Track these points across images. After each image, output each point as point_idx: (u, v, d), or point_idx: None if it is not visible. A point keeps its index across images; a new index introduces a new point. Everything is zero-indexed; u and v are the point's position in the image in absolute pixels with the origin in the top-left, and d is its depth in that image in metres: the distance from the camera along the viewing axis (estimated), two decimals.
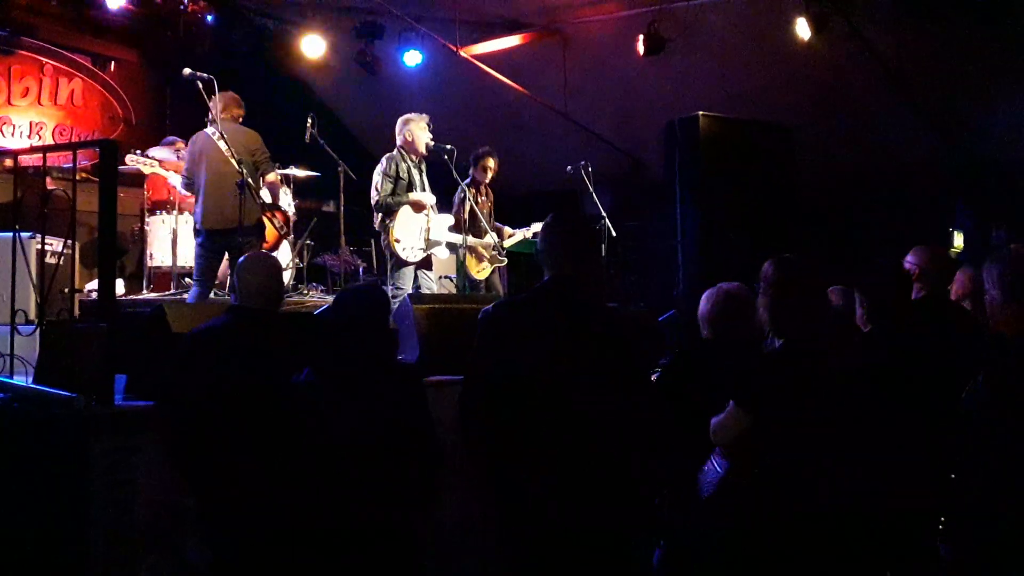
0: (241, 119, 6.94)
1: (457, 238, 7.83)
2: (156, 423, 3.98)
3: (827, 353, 3.36)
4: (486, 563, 4.09)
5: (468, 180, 8.17)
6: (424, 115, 7.68)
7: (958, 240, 10.13)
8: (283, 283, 4.24)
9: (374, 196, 7.47)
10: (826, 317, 3.47)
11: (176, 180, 7.60)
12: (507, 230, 8.47)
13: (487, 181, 8.36)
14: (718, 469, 3.52)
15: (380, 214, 7.50)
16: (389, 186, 7.44)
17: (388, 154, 7.58)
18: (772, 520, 3.23)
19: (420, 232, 7.52)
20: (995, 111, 9.39)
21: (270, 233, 6.89)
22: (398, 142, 7.62)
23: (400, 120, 7.68)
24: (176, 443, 3.86)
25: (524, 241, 8.46)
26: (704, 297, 4.14)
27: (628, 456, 3.33)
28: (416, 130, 7.58)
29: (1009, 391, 3.23)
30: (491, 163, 8.29)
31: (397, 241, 7.40)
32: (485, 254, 8.20)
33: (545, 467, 3.25)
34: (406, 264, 7.47)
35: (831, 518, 3.19)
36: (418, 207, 7.47)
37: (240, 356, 3.79)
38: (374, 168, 7.61)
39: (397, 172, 7.48)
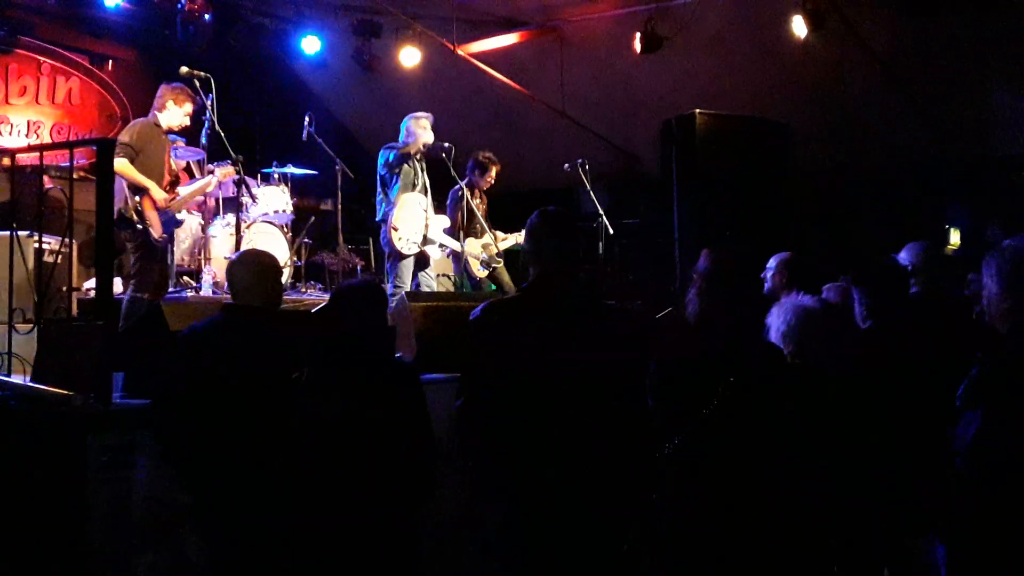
0: (165, 109, 6.76)
1: (451, 241, 7.85)
2: (152, 421, 3.99)
3: (742, 345, 3.40)
4: (483, 561, 4.10)
5: (466, 181, 8.17)
6: (428, 115, 7.73)
7: (955, 237, 10.13)
8: (279, 280, 4.23)
9: (385, 155, 7.52)
10: (748, 311, 3.50)
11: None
12: (499, 235, 8.45)
13: (486, 188, 8.37)
14: None
15: (391, 173, 7.53)
16: (398, 155, 7.51)
17: (392, 143, 7.66)
18: (681, 500, 3.28)
19: (419, 226, 7.54)
20: (990, 108, 9.40)
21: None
22: (401, 138, 7.69)
23: (407, 117, 7.77)
24: (171, 441, 3.87)
25: (517, 244, 8.45)
26: None
27: (623, 453, 3.34)
28: (416, 128, 7.65)
29: (1002, 385, 3.24)
30: (495, 172, 8.30)
31: (395, 229, 7.42)
32: (483, 255, 8.21)
33: (542, 466, 3.26)
34: (403, 258, 7.49)
35: (745, 509, 3.23)
36: (414, 214, 7.51)
37: (231, 354, 3.79)
38: (372, 167, 7.68)
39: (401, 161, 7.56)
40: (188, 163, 7.66)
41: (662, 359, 3.47)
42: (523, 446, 3.29)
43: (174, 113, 6.71)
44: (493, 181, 8.33)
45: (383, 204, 7.67)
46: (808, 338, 3.90)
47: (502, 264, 8.38)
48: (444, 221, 7.89)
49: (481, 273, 8.23)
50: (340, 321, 3.66)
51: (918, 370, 3.97)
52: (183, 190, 6.95)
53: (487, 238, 8.14)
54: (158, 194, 6.51)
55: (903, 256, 4.90)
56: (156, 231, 6.52)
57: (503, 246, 8.33)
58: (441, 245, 7.82)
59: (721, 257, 3.49)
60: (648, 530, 3.42)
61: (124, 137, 6.62)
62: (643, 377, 3.49)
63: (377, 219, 7.69)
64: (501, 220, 8.60)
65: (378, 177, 7.69)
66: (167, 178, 6.77)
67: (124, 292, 6.59)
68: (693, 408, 3.22)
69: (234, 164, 6.88)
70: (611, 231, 8.37)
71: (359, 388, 3.56)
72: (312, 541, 3.51)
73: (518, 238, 8.38)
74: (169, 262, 7.31)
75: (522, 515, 3.32)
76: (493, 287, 8.33)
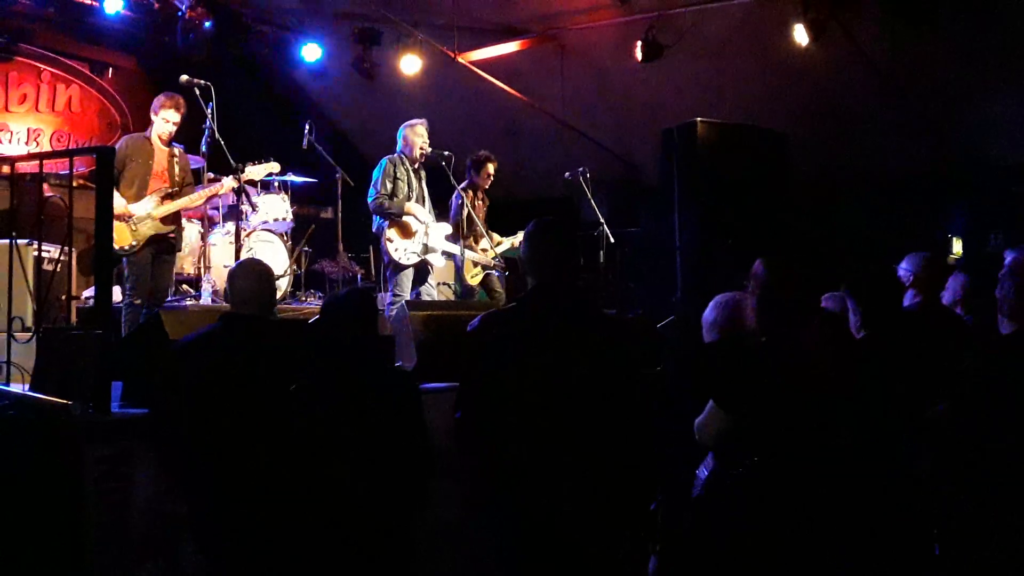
0: (152, 122, 6.74)
1: (453, 247, 7.84)
2: (149, 431, 3.98)
3: (811, 353, 3.39)
4: (479, 568, 4.09)
5: (465, 183, 8.17)
6: (423, 120, 7.70)
7: (957, 247, 10.11)
8: (275, 288, 4.24)
9: (372, 195, 7.48)
10: (813, 317, 3.51)
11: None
12: (496, 237, 8.44)
13: (486, 186, 8.36)
14: (706, 469, 3.55)
15: (377, 217, 7.53)
16: (389, 185, 7.46)
17: (388, 156, 7.62)
18: (759, 519, 3.27)
19: (417, 236, 7.53)
20: (990, 116, 9.39)
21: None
22: (398, 147, 7.66)
23: (402, 126, 7.73)
24: (168, 451, 3.86)
25: (512, 248, 8.43)
26: (713, 304, 4.13)
27: (622, 461, 3.33)
28: (412, 135, 7.61)
29: (986, 372, 3.31)
30: (491, 168, 8.29)
31: (390, 241, 7.42)
32: (481, 259, 8.20)
33: (539, 476, 3.25)
34: (401, 268, 7.48)
35: (816, 517, 3.23)
36: (410, 223, 7.47)
37: (230, 362, 3.78)
38: (372, 173, 7.64)
39: (395, 174, 7.51)
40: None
41: (730, 374, 3.46)
42: (520, 457, 3.28)
43: (158, 124, 6.70)
44: (492, 177, 8.32)
45: (377, 216, 7.65)
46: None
47: (503, 267, 8.37)
48: (445, 228, 7.88)
49: (475, 280, 8.22)
50: (330, 331, 3.66)
51: (913, 381, 3.96)
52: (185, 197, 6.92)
53: (485, 243, 8.14)
54: (116, 202, 6.39)
55: (904, 266, 4.89)
56: (116, 241, 6.36)
57: (499, 249, 8.32)
58: (444, 252, 7.82)
59: (780, 268, 3.50)
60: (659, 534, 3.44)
61: None
62: (641, 386, 3.49)
63: (373, 230, 7.67)
64: (501, 228, 8.59)
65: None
66: (153, 187, 6.64)
67: (123, 299, 6.57)
68: (769, 423, 3.26)
69: (236, 174, 6.90)
70: (612, 240, 8.36)
71: (354, 396, 3.56)
72: (308, 550, 3.50)
73: (514, 241, 8.37)
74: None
75: (518, 525, 3.31)
76: (484, 295, 8.32)
